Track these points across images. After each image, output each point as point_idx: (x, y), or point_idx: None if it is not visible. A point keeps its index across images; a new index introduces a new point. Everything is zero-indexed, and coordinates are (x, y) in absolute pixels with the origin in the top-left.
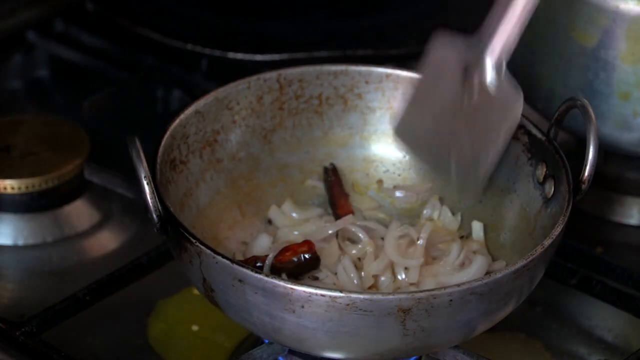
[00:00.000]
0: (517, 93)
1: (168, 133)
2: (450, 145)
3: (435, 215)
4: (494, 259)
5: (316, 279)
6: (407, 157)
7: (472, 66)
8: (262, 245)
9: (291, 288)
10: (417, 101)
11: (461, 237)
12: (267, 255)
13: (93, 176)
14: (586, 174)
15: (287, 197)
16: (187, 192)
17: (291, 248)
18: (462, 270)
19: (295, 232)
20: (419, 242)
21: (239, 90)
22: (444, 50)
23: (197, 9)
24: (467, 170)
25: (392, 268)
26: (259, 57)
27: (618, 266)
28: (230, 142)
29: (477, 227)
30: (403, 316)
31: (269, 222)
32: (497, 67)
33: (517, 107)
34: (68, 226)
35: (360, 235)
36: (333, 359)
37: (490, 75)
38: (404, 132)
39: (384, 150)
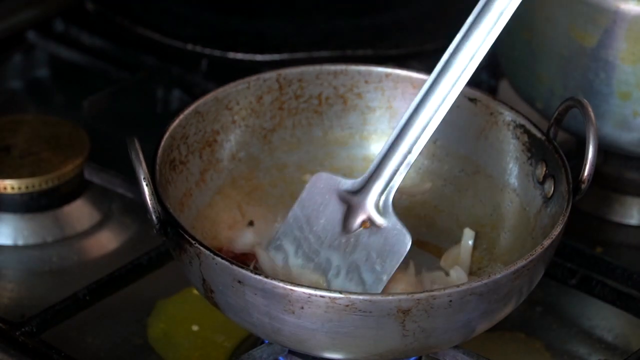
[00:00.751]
0: (404, 232)
1: (168, 133)
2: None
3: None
4: (493, 259)
5: None
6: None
7: (355, 201)
8: (245, 241)
9: (291, 289)
10: (293, 226)
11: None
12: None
13: (93, 176)
14: (586, 173)
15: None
16: (187, 192)
17: None
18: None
19: None
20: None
21: (239, 90)
22: (323, 182)
23: (197, 9)
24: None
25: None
26: (259, 57)
27: (618, 266)
28: (230, 142)
29: (468, 235)
30: (403, 317)
31: (251, 223)
32: (382, 206)
33: (403, 245)
34: (68, 226)
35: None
36: None
37: (373, 213)
38: (277, 255)
39: None
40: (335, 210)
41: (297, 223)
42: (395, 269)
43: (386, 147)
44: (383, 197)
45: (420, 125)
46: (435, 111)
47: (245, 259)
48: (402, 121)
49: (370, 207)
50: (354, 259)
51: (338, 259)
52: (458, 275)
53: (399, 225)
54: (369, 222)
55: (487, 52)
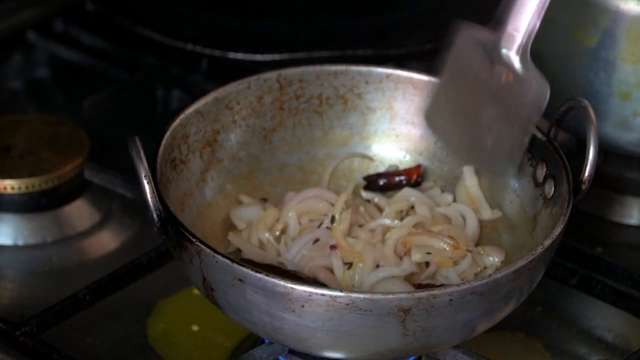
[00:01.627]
0: (543, 81)
1: (168, 133)
2: (480, 128)
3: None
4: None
5: None
6: (408, 157)
7: (496, 53)
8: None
9: (291, 287)
10: (444, 88)
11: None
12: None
13: (93, 176)
14: (586, 174)
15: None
16: (188, 191)
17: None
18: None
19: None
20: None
21: (239, 90)
22: (467, 39)
23: (197, 9)
24: (497, 153)
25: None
26: (259, 57)
27: (618, 266)
28: (231, 142)
29: (468, 173)
30: (403, 316)
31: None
32: (521, 54)
33: (543, 94)
34: (68, 226)
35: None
36: (333, 359)
37: (515, 61)
38: (433, 117)
39: (384, 150)
40: (481, 63)
41: (448, 86)
42: (537, 120)
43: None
44: (522, 46)
45: None
46: None
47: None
48: None
49: (513, 58)
50: (502, 110)
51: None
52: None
53: (537, 75)
54: (512, 74)
55: None
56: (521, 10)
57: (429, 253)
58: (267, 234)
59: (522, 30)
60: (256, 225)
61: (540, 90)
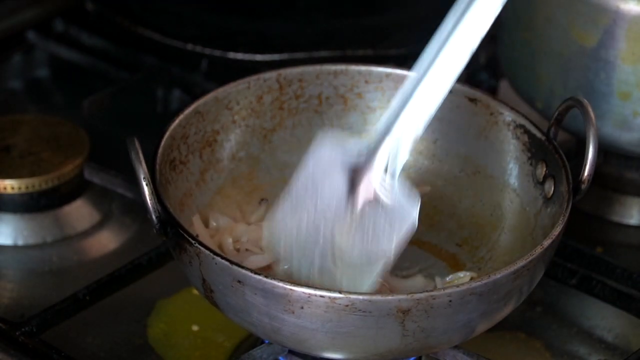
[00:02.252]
0: (411, 201)
1: (168, 133)
2: (328, 247)
3: None
4: (493, 259)
5: None
6: (408, 157)
7: (359, 171)
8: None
9: (290, 289)
10: (293, 199)
11: None
12: None
13: (93, 176)
14: (586, 174)
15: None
16: (187, 192)
17: None
18: None
19: None
20: None
21: (239, 90)
22: (328, 150)
23: (197, 9)
24: (351, 277)
25: None
26: (259, 57)
27: (618, 266)
28: (230, 142)
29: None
30: (402, 317)
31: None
32: (389, 176)
33: (412, 214)
34: (68, 226)
35: None
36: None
37: (381, 182)
38: (277, 230)
39: None
40: (338, 182)
41: (299, 200)
42: (402, 242)
43: (390, 114)
44: (390, 170)
45: (428, 91)
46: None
47: None
48: (408, 87)
49: (375, 182)
50: (359, 231)
51: (340, 233)
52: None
53: (405, 195)
54: (374, 199)
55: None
56: (390, 124)
57: None
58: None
59: (389, 147)
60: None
61: (406, 212)
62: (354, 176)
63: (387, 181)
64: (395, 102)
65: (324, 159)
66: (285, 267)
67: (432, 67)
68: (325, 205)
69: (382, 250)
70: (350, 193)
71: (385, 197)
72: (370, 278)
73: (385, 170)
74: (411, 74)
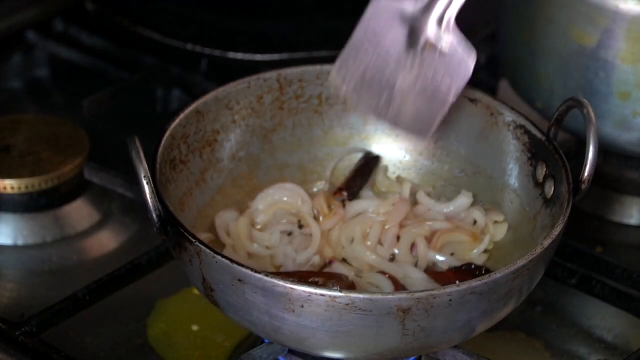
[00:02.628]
0: (468, 51)
1: (168, 133)
2: (394, 95)
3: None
4: (494, 259)
5: None
6: (408, 157)
7: (418, 21)
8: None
9: (291, 288)
10: (359, 47)
11: None
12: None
13: (93, 176)
14: (586, 174)
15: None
16: (188, 191)
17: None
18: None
19: None
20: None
21: (239, 90)
22: (385, 5)
23: (197, 9)
24: (411, 121)
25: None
26: (259, 57)
27: (618, 266)
28: (231, 142)
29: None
30: (403, 316)
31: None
32: (445, 24)
33: (468, 64)
34: (68, 226)
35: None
36: (333, 359)
37: (436, 31)
38: (345, 74)
39: (385, 150)
40: (398, 32)
41: (361, 46)
42: (460, 90)
43: None
44: (446, 16)
45: None
46: None
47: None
48: None
49: (432, 27)
50: (419, 78)
51: (402, 79)
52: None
53: (462, 45)
54: (432, 43)
55: None
56: None
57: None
58: (255, 246)
59: (443, 5)
60: (237, 241)
61: (464, 61)
62: (413, 25)
63: (443, 30)
64: None
65: (383, 10)
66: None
67: None
68: (387, 53)
69: (441, 97)
70: (410, 42)
71: (444, 45)
72: (432, 125)
73: (441, 21)
74: None
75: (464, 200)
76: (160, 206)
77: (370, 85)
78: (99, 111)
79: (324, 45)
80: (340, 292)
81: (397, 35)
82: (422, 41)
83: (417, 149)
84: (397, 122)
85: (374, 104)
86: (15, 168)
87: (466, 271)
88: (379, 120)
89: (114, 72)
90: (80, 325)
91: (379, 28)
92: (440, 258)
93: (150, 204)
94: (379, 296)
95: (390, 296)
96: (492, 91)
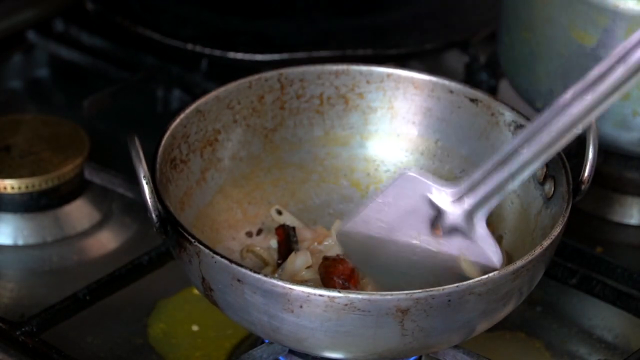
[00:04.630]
0: (495, 249)
1: (168, 132)
2: (401, 268)
3: None
4: None
5: None
6: (408, 157)
7: (442, 208)
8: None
9: (290, 288)
10: (373, 218)
11: None
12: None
13: (93, 176)
14: (586, 174)
15: (288, 197)
16: (188, 191)
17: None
18: None
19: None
20: None
21: (240, 90)
22: (415, 182)
23: (197, 9)
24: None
25: None
26: (259, 57)
27: (618, 266)
28: (231, 141)
29: None
30: (401, 316)
31: (279, 212)
32: (477, 219)
33: (492, 259)
34: (68, 226)
35: None
36: (332, 359)
37: (466, 220)
38: (349, 237)
39: (386, 150)
40: (424, 216)
41: (375, 225)
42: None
43: (493, 162)
44: (477, 213)
45: (534, 150)
46: (555, 141)
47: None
48: (515, 142)
49: (461, 219)
50: (434, 256)
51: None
52: None
53: (491, 240)
54: (459, 229)
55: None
56: (480, 178)
57: None
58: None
59: (475, 197)
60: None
61: (488, 255)
62: (438, 211)
63: (474, 223)
64: (499, 155)
65: (409, 189)
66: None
67: (544, 133)
68: (405, 221)
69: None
70: (434, 220)
71: (471, 234)
72: None
73: (470, 215)
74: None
75: None
76: (160, 206)
77: (378, 256)
78: (99, 111)
79: (324, 45)
80: (339, 292)
81: (421, 208)
82: (448, 223)
83: (418, 149)
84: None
85: (378, 274)
86: (15, 168)
87: None
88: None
89: (114, 72)
90: (80, 325)
91: (405, 194)
92: None
93: (150, 204)
94: (378, 296)
95: (389, 296)
96: (492, 91)
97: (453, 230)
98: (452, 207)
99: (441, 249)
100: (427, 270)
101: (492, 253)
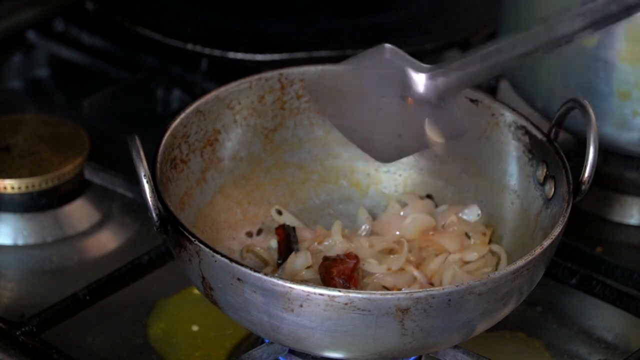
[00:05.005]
0: (462, 120)
1: (169, 132)
2: (372, 123)
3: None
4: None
5: None
6: (409, 158)
7: (417, 80)
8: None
9: (290, 287)
10: (345, 73)
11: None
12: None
13: (93, 176)
14: (586, 174)
15: (288, 197)
16: (188, 191)
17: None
18: None
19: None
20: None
21: (241, 90)
22: (394, 54)
23: (197, 9)
24: (386, 145)
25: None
26: (259, 57)
27: (618, 266)
28: (231, 141)
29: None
30: (401, 316)
31: (279, 212)
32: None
33: (462, 122)
34: (68, 226)
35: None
36: (332, 359)
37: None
38: (319, 90)
39: None
40: (397, 83)
41: (346, 81)
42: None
43: (474, 55)
44: (447, 94)
45: (516, 52)
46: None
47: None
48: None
49: (431, 94)
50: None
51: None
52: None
53: (456, 111)
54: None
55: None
56: (458, 65)
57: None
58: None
59: (448, 78)
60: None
61: (458, 119)
62: (410, 83)
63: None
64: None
65: (386, 58)
66: None
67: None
68: (376, 80)
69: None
70: (403, 93)
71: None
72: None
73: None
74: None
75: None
76: (160, 205)
77: (347, 110)
78: (99, 111)
79: (324, 45)
80: (339, 291)
81: (395, 76)
82: (418, 94)
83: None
84: (367, 146)
85: (347, 125)
86: (15, 168)
87: None
88: (349, 139)
89: (114, 72)
90: (80, 325)
91: (381, 61)
92: None
93: (150, 203)
94: (378, 296)
95: (389, 296)
96: (492, 91)
97: (422, 102)
98: (426, 82)
99: (408, 111)
100: (391, 129)
101: (457, 121)
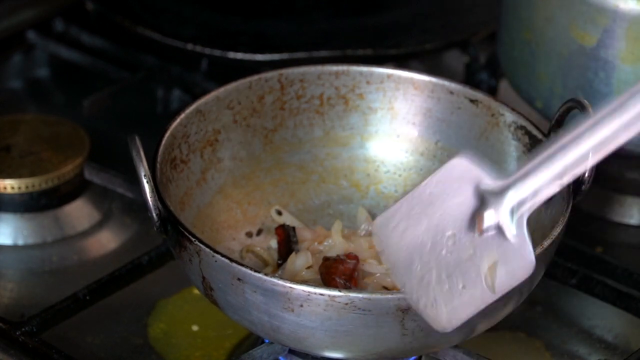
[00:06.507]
0: (531, 253)
1: (169, 132)
2: (429, 267)
3: None
4: None
5: None
6: (409, 157)
7: (490, 198)
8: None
9: (290, 287)
10: (411, 207)
11: None
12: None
13: (93, 176)
14: (586, 175)
15: (288, 198)
16: (188, 191)
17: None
18: None
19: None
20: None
21: (240, 90)
22: (463, 169)
23: (197, 9)
24: (435, 301)
25: None
26: (259, 57)
27: (618, 266)
28: (231, 141)
29: None
30: (402, 316)
31: (279, 212)
32: (517, 217)
33: (527, 264)
34: (68, 226)
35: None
36: (333, 359)
37: (507, 218)
38: (385, 228)
39: (385, 151)
40: (465, 203)
41: (417, 204)
42: (507, 290)
43: (542, 156)
44: (521, 209)
45: (585, 147)
46: (611, 138)
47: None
48: (567, 138)
49: (504, 213)
50: (465, 262)
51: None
52: None
53: (527, 245)
54: (500, 227)
55: None
56: (533, 170)
57: None
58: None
59: (523, 196)
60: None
61: (524, 259)
62: (484, 200)
63: (514, 221)
64: (548, 151)
65: (460, 167)
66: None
67: (598, 128)
68: (446, 217)
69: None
70: (473, 217)
71: (510, 235)
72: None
73: (513, 212)
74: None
75: None
76: (160, 205)
77: (408, 250)
78: (99, 111)
79: (324, 45)
80: (339, 291)
81: (464, 202)
82: (488, 220)
83: (418, 150)
84: (421, 307)
85: (407, 274)
86: (15, 168)
87: None
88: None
89: (114, 72)
90: (80, 325)
91: (448, 186)
92: None
93: (150, 203)
94: (378, 295)
95: (389, 296)
96: (492, 91)
97: (492, 229)
98: (498, 201)
99: (476, 251)
100: (443, 271)
101: (526, 259)
